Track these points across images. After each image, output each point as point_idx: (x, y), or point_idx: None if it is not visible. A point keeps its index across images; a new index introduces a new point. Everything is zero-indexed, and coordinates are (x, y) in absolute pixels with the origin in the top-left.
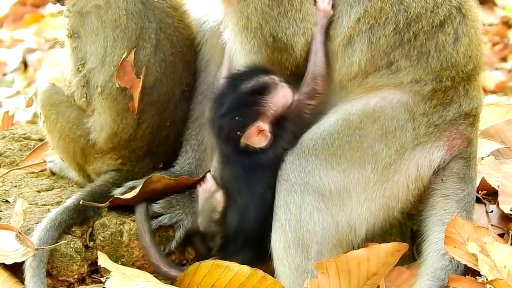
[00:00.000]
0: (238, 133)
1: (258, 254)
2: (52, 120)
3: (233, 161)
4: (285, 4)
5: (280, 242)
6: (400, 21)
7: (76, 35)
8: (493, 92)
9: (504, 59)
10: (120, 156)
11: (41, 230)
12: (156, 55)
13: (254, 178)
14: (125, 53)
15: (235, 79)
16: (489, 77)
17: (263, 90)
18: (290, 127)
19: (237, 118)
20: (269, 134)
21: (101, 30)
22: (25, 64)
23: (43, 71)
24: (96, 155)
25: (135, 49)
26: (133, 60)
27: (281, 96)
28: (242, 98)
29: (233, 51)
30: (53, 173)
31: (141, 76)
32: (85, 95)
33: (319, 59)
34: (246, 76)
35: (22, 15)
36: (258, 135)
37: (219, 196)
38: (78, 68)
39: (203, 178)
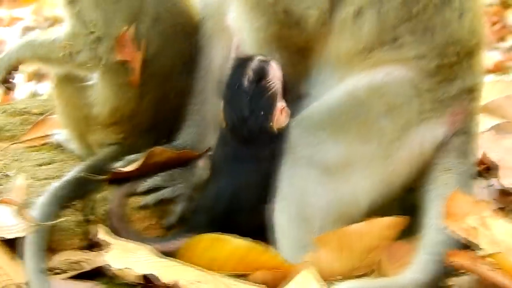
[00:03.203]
0: (270, 124)
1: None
2: (62, 86)
3: (236, 148)
4: None
5: (282, 216)
6: None
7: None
8: (491, 71)
9: (502, 39)
10: (123, 131)
11: (42, 205)
12: (155, 27)
13: (258, 165)
14: (125, 26)
15: (233, 79)
16: (488, 57)
17: (262, 74)
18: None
19: (261, 113)
20: (287, 109)
21: (101, 3)
22: None
23: None
24: (98, 127)
25: (135, 22)
26: (133, 33)
27: (276, 70)
28: (253, 92)
29: (239, 28)
30: (58, 146)
31: (141, 48)
32: None
33: None
34: (240, 71)
35: None
36: (282, 115)
37: (204, 167)
38: None
39: (206, 152)
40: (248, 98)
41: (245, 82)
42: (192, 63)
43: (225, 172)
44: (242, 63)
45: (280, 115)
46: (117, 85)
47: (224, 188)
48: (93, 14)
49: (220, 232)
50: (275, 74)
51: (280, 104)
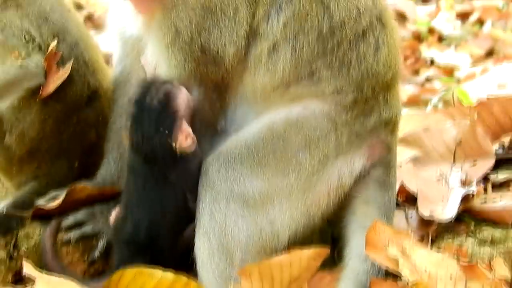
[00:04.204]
0: (172, 144)
1: (153, 262)
2: None
3: (145, 172)
4: (218, 13)
5: (204, 249)
6: (323, 28)
7: None
8: (406, 104)
9: (416, 72)
10: (35, 160)
11: None
12: (74, 51)
13: (164, 190)
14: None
15: (140, 99)
16: (402, 90)
17: (168, 96)
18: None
19: (164, 132)
20: (193, 135)
21: (27, 16)
22: None
23: None
24: (15, 167)
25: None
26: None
27: (183, 95)
28: (158, 111)
29: (157, 65)
30: None
31: (62, 66)
32: None
33: None
34: (147, 91)
35: None
36: (186, 139)
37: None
38: None
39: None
40: (152, 116)
41: (152, 102)
42: (97, 96)
43: (138, 200)
44: (149, 84)
45: (183, 138)
46: (18, 107)
47: (139, 217)
48: (23, 25)
49: (147, 262)
50: (182, 98)
51: (184, 128)
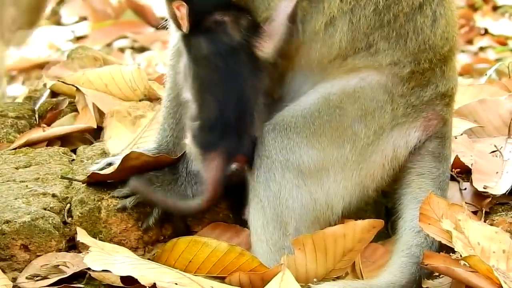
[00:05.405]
0: None
1: (239, 144)
2: None
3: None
4: None
5: (258, 218)
6: (380, 2)
7: None
8: (459, 74)
9: (470, 42)
10: None
11: None
12: None
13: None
14: None
15: None
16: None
17: None
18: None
19: None
20: None
21: None
22: None
23: None
24: None
25: None
26: None
27: None
28: None
29: None
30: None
31: None
32: None
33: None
34: None
35: None
36: None
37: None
38: None
39: (181, 157)
40: None
41: None
42: None
43: (221, 85)
44: None
45: None
46: None
47: (225, 99)
48: None
49: (231, 141)
50: None
51: None
